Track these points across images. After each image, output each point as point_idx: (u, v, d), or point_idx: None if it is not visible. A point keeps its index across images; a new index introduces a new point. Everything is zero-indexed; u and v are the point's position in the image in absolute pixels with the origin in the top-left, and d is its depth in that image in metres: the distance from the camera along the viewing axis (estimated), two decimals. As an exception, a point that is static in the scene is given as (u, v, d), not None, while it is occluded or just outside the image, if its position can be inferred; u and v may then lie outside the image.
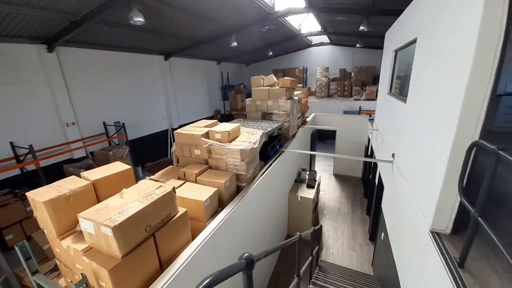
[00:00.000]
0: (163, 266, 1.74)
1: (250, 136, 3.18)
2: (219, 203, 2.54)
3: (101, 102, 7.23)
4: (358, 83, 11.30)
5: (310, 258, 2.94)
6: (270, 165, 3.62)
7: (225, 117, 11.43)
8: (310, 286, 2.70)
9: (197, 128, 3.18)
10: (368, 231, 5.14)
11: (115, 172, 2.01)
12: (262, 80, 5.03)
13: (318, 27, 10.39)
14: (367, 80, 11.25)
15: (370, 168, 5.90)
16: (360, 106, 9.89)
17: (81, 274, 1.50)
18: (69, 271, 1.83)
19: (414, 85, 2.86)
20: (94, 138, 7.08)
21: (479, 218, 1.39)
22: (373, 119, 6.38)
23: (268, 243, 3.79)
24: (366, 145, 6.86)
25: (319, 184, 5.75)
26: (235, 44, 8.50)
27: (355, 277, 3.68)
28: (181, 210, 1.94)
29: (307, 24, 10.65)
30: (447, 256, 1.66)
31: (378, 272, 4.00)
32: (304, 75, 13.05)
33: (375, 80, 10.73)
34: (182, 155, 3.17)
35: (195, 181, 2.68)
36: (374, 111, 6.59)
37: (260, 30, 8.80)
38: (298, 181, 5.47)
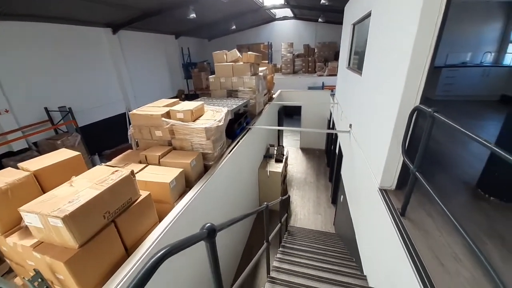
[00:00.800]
0: (129, 251, 1.69)
1: (215, 114, 3.09)
2: (187, 183, 2.50)
3: (40, 85, 6.17)
4: (321, 59, 11.55)
5: (279, 225, 3.15)
6: (238, 142, 3.62)
7: (190, 97, 10.84)
8: (280, 249, 2.93)
9: (156, 108, 2.96)
10: (331, 196, 5.67)
11: (61, 160, 1.80)
12: (225, 56, 4.80)
13: (281, 0, 10.07)
14: (329, 56, 11.55)
15: (332, 140, 6.32)
16: (323, 82, 10.24)
17: (34, 269, 1.38)
18: (22, 269, 1.67)
19: (369, 58, 3.01)
20: (36, 126, 6.15)
21: (417, 173, 1.61)
22: (334, 94, 6.69)
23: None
24: (328, 118, 7.26)
25: (286, 158, 6.00)
26: (193, 15, 7.81)
27: (319, 236, 4.11)
28: (143, 194, 1.86)
29: (269, -4, 10.22)
30: (391, 208, 1.92)
31: (338, 230, 4.52)
32: (269, 51, 12.83)
33: (337, 56, 11.08)
34: (142, 138, 2.97)
35: (159, 164, 2.56)
36: (335, 86, 6.91)
37: (220, 0, 8.19)
38: (267, 156, 5.63)
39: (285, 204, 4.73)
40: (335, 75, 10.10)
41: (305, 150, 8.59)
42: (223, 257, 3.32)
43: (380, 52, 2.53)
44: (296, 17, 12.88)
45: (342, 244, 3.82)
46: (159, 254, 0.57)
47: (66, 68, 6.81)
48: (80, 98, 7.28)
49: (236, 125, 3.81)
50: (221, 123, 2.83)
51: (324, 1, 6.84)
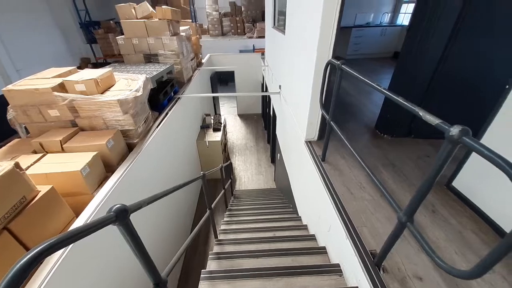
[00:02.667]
0: (38, 257, 1.40)
1: (130, 83, 2.62)
2: (107, 168, 2.15)
3: None
4: (249, 19, 11.06)
5: (222, 191, 3.21)
6: (167, 114, 3.27)
7: (100, 66, 8.87)
8: (226, 213, 3.05)
9: (43, 81, 2.28)
10: (270, 156, 6.10)
11: None
12: (133, 10, 3.96)
13: None
14: (257, 15, 11.15)
15: (266, 103, 6.53)
16: (253, 45, 10.00)
17: None
18: None
19: (289, 17, 3.01)
20: None
21: (332, 123, 1.81)
22: (264, 57, 6.69)
23: (181, 194, 3.81)
24: (261, 82, 7.36)
25: (225, 126, 5.93)
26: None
27: (262, 193, 4.49)
28: (43, 189, 1.49)
29: None
30: (314, 155, 2.17)
31: (278, 184, 5.02)
32: (192, 7, 11.39)
33: (264, 16, 10.82)
34: (31, 121, 2.30)
35: (62, 150, 2.08)
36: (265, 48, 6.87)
37: None
38: (204, 127, 5.41)
39: (229, 171, 4.83)
40: (264, 37, 10.03)
41: (243, 116, 8.68)
42: (170, 233, 3.23)
43: (298, 11, 2.54)
44: (217, -32, 11.51)
45: (281, 195, 4.28)
46: (29, 256, 0.44)
47: None
48: None
49: (162, 95, 3.39)
50: (139, 93, 2.44)
51: (244, -50, 6.23)
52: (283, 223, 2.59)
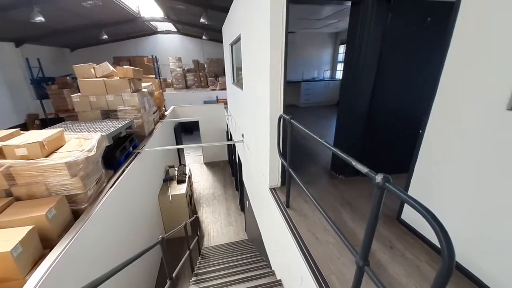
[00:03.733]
0: None
1: (83, 142, 2.48)
2: (46, 242, 1.83)
3: None
4: (211, 74, 12.04)
5: (187, 252, 2.91)
6: (124, 171, 3.08)
7: (50, 123, 8.23)
8: (193, 278, 2.71)
9: (-27, 146, 2.02)
10: (239, 204, 5.93)
11: None
12: (93, 69, 4.02)
13: (161, 13, 9.73)
14: (219, 71, 12.23)
15: (232, 150, 6.68)
16: (217, 96, 10.68)
17: None
18: None
19: (245, 75, 3.41)
20: None
21: (290, 169, 1.93)
22: (227, 107, 7.13)
23: (137, 262, 3.32)
24: (226, 130, 7.64)
25: (190, 177, 5.74)
26: (40, 19, 6.09)
27: (233, 247, 4.18)
28: None
29: (148, 7, 9.62)
30: (279, 202, 2.21)
31: (249, 234, 4.78)
32: (156, 64, 12.02)
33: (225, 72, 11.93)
34: None
35: (-14, 228, 1.74)
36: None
37: (80, 4, 6.85)
38: (167, 179, 5.15)
39: (195, 227, 4.48)
40: (226, 89, 10.88)
41: (210, 164, 8.59)
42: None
43: (251, 70, 2.92)
44: (180, 32, 12.83)
45: (253, 247, 4.05)
46: None
47: None
48: None
49: (119, 152, 3.24)
50: (92, 153, 2.30)
51: (203, 20, 7.20)
52: (256, 281, 2.40)
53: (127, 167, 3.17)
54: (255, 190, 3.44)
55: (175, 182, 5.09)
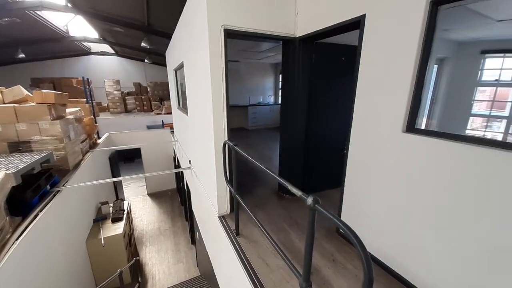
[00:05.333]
0: None
1: (-28, 185, 1.92)
2: None
3: None
4: (156, 98, 11.46)
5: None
6: (36, 216, 2.48)
7: None
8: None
9: None
10: (190, 236, 5.46)
11: None
12: (0, 94, 3.30)
13: (95, 34, 8.98)
14: (164, 94, 11.75)
15: (181, 177, 6.26)
16: (162, 120, 10.12)
17: None
18: None
19: (189, 101, 3.37)
20: None
21: (237, 196, 1.91)
22: (173, 131, 6.80)
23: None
24: (174, 156, 7.19)
25: (129, 213, 5.05)
26: None
27: (184, 288, 3.73)
28: None
29: (79, 27, 8.75)
30: (229, 231, 2.13)
31: (202, 269, 4.39)
32: (88, 87, 10.77)
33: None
34: None
35: None
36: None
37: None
38: (99, 219, 4.39)
39: (136, 272, 3.84)
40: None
41: (155, 195, 7.78)
42: None
43: (195, 96, 2.91)
44: (118, 54, 12.04)
45: (206, 283, 3.71)
46: None
47: None
48: None
49: (31, 192, 2.63)
50: (-15, 199, 1.79)
51: (145, 44, 6.97)
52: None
53: (41, 210, 2.57)
54: (204, 219, 3.25)
55: (110, 221, 4.38)
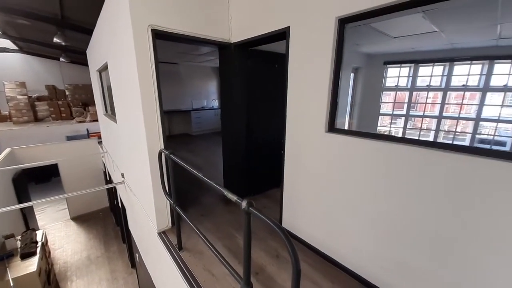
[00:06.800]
0: None
1: None
2: None
3: None
4: (78, 103, 9.77)
5: None
6: None
7: None
8: None
9: None
10: (129, 259, 4.82)
11: None
12: None
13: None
14: (88, 99, 10.12)
15: (113, 194, 5.48)
16: (87, 129, 8.69)
17: None
18: None
19: (117, 107, 2.99)
20: None
21: (177, 208, 1.79)
22: (101, 142, 5.92)
23: None
24: (104, 170, 6.24)
25: (45, 244, 4.10)
26: None
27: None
28: None
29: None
30: (170, 247, 1.97)
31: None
32: (-25, 91, 8.36)
33: (99, 100, 10.05)
34: None
35: None
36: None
37: None
38: (3, 257, 3.42)
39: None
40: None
41: (81, 218, 6.55)
42: None
43: (123, 102, 2.60)
44: (23, 50, 9.76)
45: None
46: None
47: None
48: None
49: None
50: None
51: (58, 40, 5.85)
52: None
53: None
54: (144, 238, 2.92)
55: (18, 257, 3.47)
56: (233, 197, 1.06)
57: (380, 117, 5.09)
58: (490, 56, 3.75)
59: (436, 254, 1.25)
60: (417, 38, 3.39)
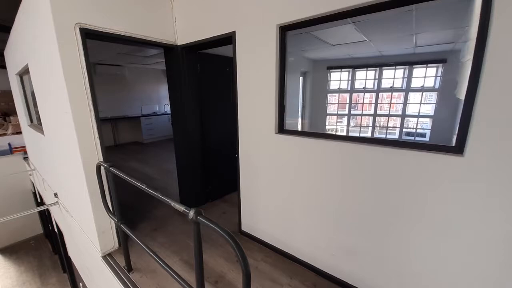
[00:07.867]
0: None
1: None
2: None
3: None
4: (-6, 113, 8.05)
5: None
6: None
7: None
8: None
9: None
10: (72, 291, 4.16)
11: None
12: None
13: None
14: (9, 108, 8.43)
15: (47, 218, 4.66)
16: (9, 143, 7.21)
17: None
18: None
19: (43, 116, 2.57)
20: None
21: (122, 226, 1.61)
22: (28, 157, 5.00)
23: None
24: (33, 191, 5.27)
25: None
26: None
27: None
28: None
29: None
30: (117, 270, 1.77)
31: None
32: None
33: (23, 108, 8.46)
34: None
35: None
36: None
37: None
38: None
39: None
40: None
41: (8, 250, 5.37)
42: None
43: (49, 109, 2.24)
44: None
45: None
46: None
47: None
48: None
49: None
50: None
51: (-42, 37, 4.72)
52: None
53: None
54: (87, 264, 2.55)
55: None
56: (180, 207, 1.00)
57: (328, 116, 5.61)
58: (409, 62, 4.49)
59: (372, 235, 1.41)
60: (352, 46, 3.84)
